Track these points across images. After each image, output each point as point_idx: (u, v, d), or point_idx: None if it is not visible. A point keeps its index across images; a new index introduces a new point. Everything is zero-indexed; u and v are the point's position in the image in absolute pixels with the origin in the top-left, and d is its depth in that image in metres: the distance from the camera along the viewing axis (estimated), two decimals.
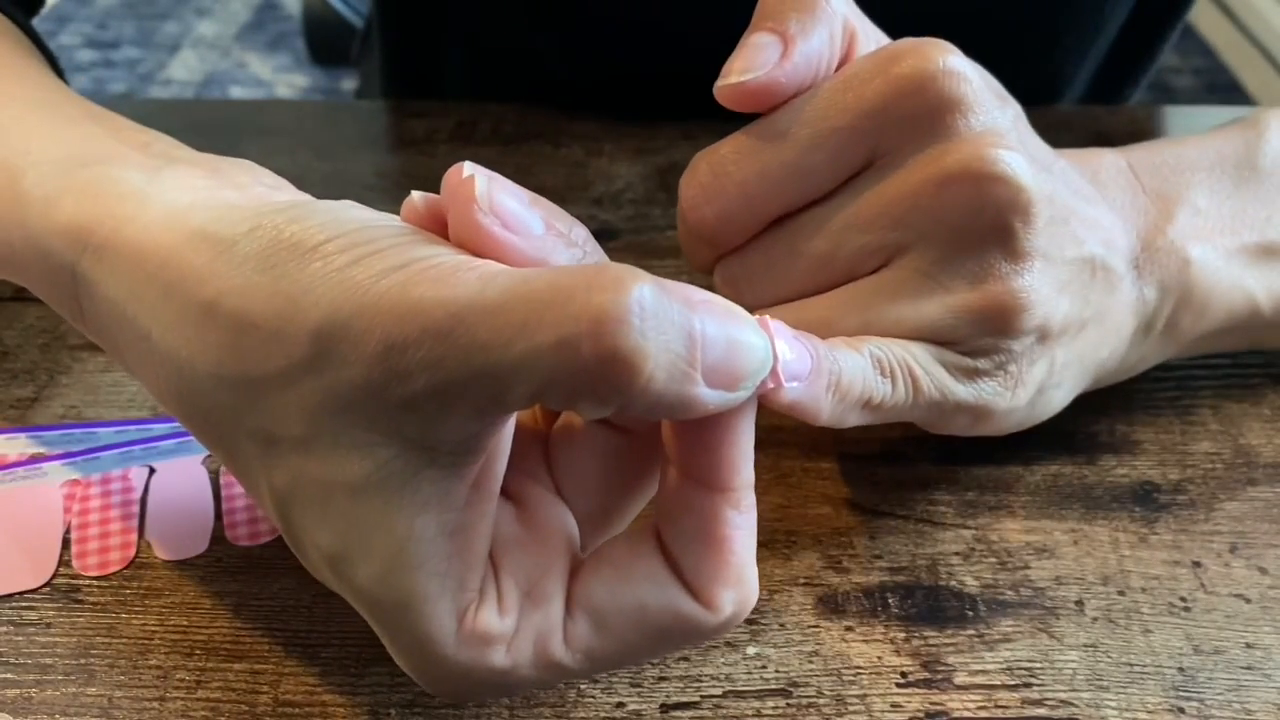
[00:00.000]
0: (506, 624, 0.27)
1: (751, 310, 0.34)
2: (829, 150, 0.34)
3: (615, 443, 0.30)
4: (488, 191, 0.28)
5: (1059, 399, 0.37)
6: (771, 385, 0.27)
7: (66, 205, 0.31)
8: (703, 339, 0.24)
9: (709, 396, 0.25)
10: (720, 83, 0.34)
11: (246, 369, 0.27)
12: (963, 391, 0.34)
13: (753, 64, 0.34)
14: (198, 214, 0.29)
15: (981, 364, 0.34)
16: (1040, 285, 0.33)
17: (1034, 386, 0.35)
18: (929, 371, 0.33)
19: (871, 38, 0.36)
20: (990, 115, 0.33)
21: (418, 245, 0.27)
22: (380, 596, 0.27)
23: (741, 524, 0.28)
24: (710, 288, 0.29)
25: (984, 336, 0.33)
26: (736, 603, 0.28)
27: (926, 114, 0.33)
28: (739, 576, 0.28)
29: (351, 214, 0.28)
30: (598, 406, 0.25)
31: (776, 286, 0.35)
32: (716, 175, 0.35)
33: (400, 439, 0.26)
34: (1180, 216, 0.38)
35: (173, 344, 0.28)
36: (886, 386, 0.32)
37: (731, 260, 0.36)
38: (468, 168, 0.29)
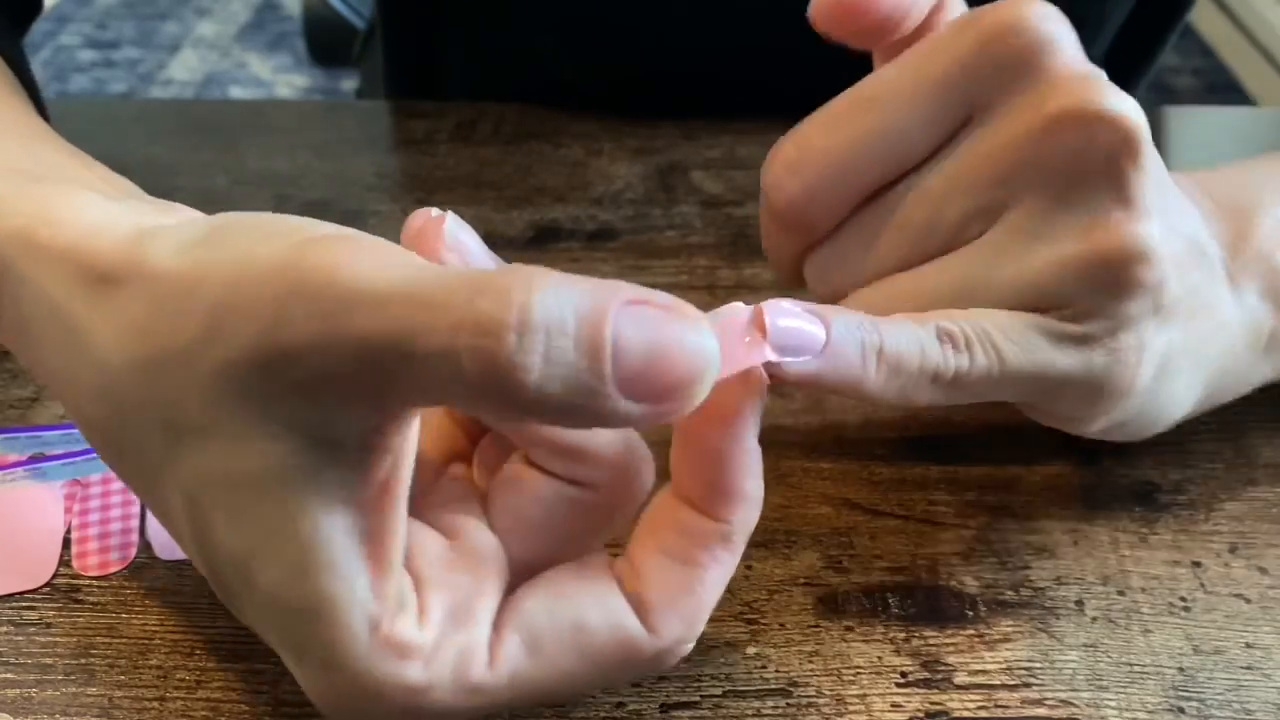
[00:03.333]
0: (426, 636, 0.26)
1: (841, 298, 0.33)
2: (922, 108, 0.32)
3: (566, 495, 0.28)
4: (455, 230, 0.28)
5: (1179, 394, 0.34)
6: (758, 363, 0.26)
7: (21, 210, 0.30)
8: (615, 347, 0.22)
9: (630, 409, 0.23)
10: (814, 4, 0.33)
11: (153, 348, 0.26)
12: (1066, 362, 0.31)
13: None
14: (141, 220, 0.29)
15: (1090, 328, 0.31)
16: (1158, 236, 0.31)
17: (1153, 366, 0.32)
18: (1019, 341, 0.30)
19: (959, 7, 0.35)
20: (1084, 55, 0.32)
21: (329, 226, 0.26)
22: (289, 601, 0.26)
23: (722, 559, 0.27)
24: (804, 297, 0.29)
25: (1094, 295, 0.31)
26: (678, 639, 0.27)
27: (1021, 55, 0.31)
28: (694, 612, 0.27)
29: (278, 216, 0.27)
30: (499, 415, 0.24)
31: (875, 266, 0.33)
32: (801, 149, 0.33)
33: (302, 431, 0.25)
34: (1263, 225, 0.36)
35: (96, 336, 0.27)
36: (961, 359, 0.30)
37: (823, 250, 0.34)
38: (436, 211, 0.29)
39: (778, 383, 0.28)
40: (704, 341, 0.23)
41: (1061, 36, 0.31)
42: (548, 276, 0.23)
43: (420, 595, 0.27)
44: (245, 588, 0.27)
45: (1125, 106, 0.31)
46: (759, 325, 0.27)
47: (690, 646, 0.28)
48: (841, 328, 0.28)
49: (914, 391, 0.30)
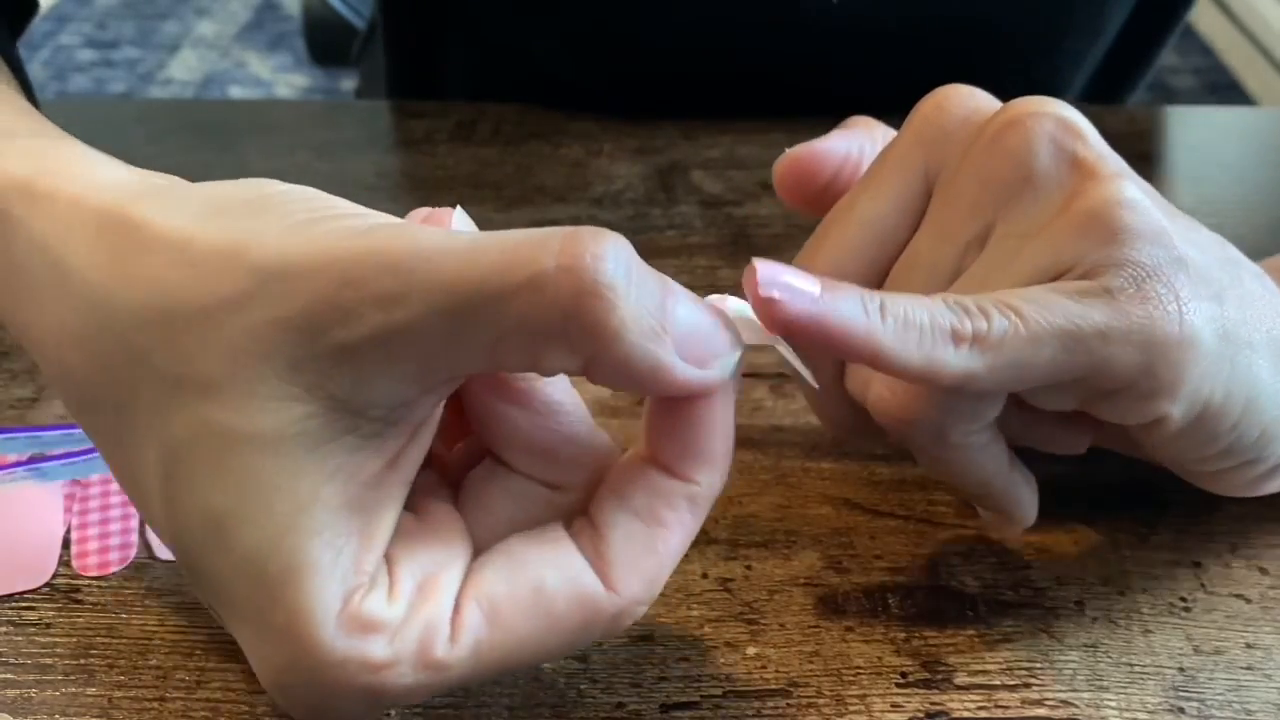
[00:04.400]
0: (394, 612, 0.26)
1: None
2: (890, 190, 0.34)
3: (538, 494, 0.29)
4: (461, 224, 0.29)
5: (1264, 375, 0.32)
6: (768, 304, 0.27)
7: (11, 158, 0.30)
8: (674, 310, 0.26)
9: (680, 367, 0.26)
10: (774, 168, 0.37)
11: (174, 302, 0.26)
12: (1097, 316, 0.29)
13: (799, 148, 0.37)
14: (151, 181, 0.29)
15: (1110, 281, 0.30)
16: (1133, 188, 0.31)
17: (1206, 320, 0.30)
18: (1038, 300, 0.29)
19: None
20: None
21: (380, 214, 0.27)
22: (265, 562, 0.25)
23: (686, 522, 0.28)
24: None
25: (1095, 249, 0.30)
26: (636, 597, 0.27)
27: (959, 116, 0.34)
28: (655, 571, 0.27)
29: (312, 190, 0.28)
30: (568, 354, 0.25)
31: None
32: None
33: (324, 396, 0.25)
34: None
35: (97, 279, 0.27)
36: (979, 321, 0.29)
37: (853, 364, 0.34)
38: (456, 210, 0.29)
39: (792, 333, 0.28)
40: (728, 333, 0.27)
41: (992, 103, 0.35)
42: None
43: (391, 571, 0.27)
44: (217, 550, 0.26)
45: (1053, 102, 0.33)
46: (750, 280, 0.27)
47: (645, 608, 0.28)
48: (836, 284, 0.28)
49: (939, 352, 0.28)
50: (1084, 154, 0.32)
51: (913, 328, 0.28)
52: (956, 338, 0.29)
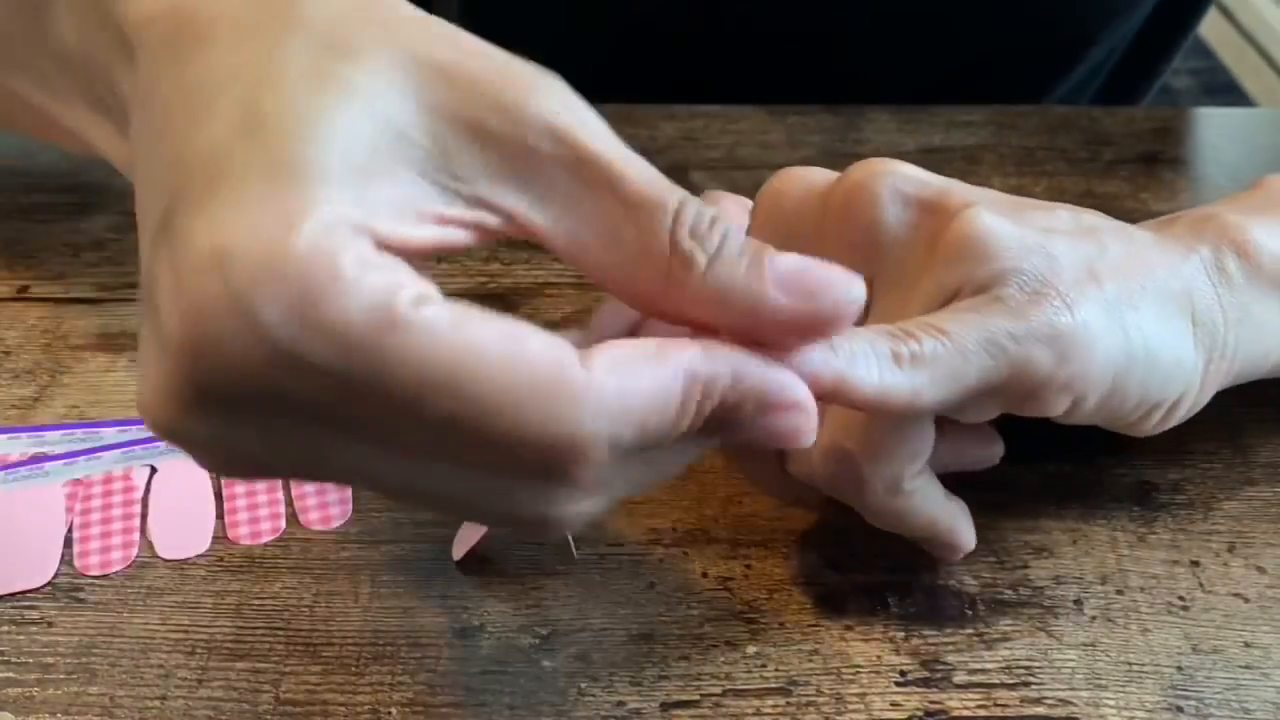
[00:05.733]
0: (373, 254, 0.24)
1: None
2: None
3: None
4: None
5: (1149, 327, 0.34)
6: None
7: None
8: (771, 259, 0.27)
9: (782, 302, 0.27)
10: None
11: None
12: (1004, 321, 0.31)
13: None
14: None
15: (999, 292, 0.32)
16: (988, 216, 0.33)
17: (1090, 301, 0.33)
18: (951, 319, 0.31)
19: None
20: None
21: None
22: (289, 120, 0.24)
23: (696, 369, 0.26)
24: None
25: (975, 271, 0.32)
26: (608, 414, 0.25)
27: (797, 196, 0.35)
28: (642, 405, 0.25)
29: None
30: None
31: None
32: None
33: (435, 137, 0.26)
34: (1227, 214, 0.37)
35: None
36: (912, 343, 0.30)
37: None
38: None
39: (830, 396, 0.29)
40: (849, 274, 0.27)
41: (825, 175, 0.35)
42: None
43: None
44: (250, 109, 0.25)
45: (884, 161, 0.34)
46: None
47: (600, 492, 0.26)
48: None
49: (888, 375, 0.30)
50: (929, 195, 0.34)
51: (860, 356, 0.30)
52: (897, 359, 0.30)
